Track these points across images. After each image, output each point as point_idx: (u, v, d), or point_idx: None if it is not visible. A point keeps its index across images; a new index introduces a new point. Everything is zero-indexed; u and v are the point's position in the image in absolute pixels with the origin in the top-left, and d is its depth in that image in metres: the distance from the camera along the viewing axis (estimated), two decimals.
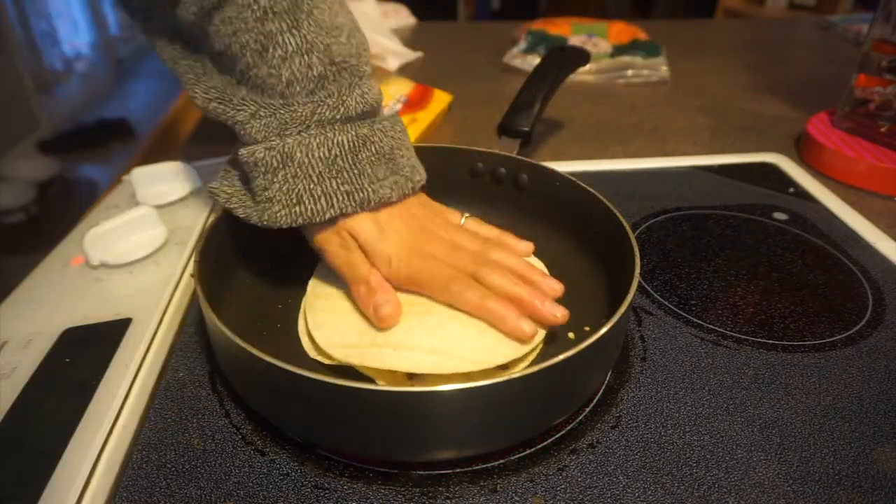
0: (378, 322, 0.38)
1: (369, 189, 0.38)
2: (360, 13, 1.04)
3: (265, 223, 0.38)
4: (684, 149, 0.73)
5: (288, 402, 0.34)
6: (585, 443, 0.36)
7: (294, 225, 0.38)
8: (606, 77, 0.95)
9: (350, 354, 0.37)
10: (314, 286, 0.43)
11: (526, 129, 0.57)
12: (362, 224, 0.39)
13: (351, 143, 0.37)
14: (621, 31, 1.03)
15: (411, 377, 0.37)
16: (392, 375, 0.37)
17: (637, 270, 0.37)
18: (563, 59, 0.64)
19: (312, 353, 0.40)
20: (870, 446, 0.36)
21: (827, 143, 0.67)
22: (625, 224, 0.42)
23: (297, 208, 0.37)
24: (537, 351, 0.40)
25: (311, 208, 0.37)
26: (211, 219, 0.48)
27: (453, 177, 0.53)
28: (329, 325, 0.39)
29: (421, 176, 0.42)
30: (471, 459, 0.34)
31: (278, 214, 0.37)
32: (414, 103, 0.76)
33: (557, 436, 0.36)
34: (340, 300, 0.41)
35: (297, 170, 0.36)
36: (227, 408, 0.38)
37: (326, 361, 0.39)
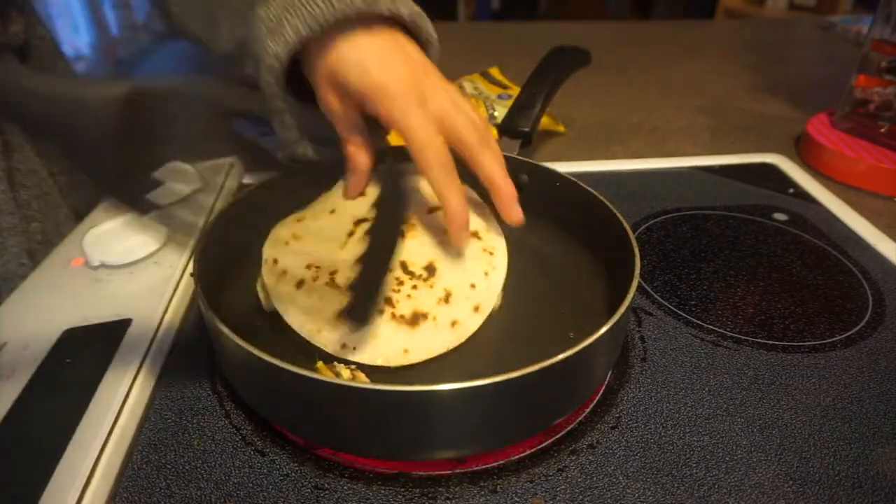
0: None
1: None
2: None
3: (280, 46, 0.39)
4: (684, 149, 0.73)
5: (288, 402, 0.34)
6: (585, 443, 0.36)
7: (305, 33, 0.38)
8: None
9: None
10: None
11: (526, 129, 0.57)
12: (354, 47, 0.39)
13: None
14: None
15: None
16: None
17: (637, 271, 0.37)
18: (564, 59, 0.64)
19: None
20: (870, 447, 0.36)
21: (827, 143, 0.67)
22: (625, 224, 0.42)
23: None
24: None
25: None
26: (211, 219, 0.48)
27: None
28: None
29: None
30: (471, 460, 0.34)
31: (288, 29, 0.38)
32: None
33: (557, 436, 0.36)
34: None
35: None
36: (227, 408, 0.38)
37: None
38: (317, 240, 0.43)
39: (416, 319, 0.38)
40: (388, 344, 0.37)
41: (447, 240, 0.41)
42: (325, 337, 0.37)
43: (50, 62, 0.58)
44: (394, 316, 0.38)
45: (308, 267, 0.41)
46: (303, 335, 0.38)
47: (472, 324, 0.39)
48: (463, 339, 0.39)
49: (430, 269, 0.41)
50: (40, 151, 0.56)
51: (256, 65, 0.41)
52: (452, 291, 0.40)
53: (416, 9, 0.42)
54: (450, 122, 0.39)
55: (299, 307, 0.39)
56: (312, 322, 0.38)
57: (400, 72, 0.39)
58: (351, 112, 0.41)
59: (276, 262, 0.41)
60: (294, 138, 0.44)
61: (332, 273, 0.40)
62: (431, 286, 0.40)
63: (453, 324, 0.39)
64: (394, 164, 0.43)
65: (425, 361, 0.38)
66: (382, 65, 0.39)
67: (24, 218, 0.50)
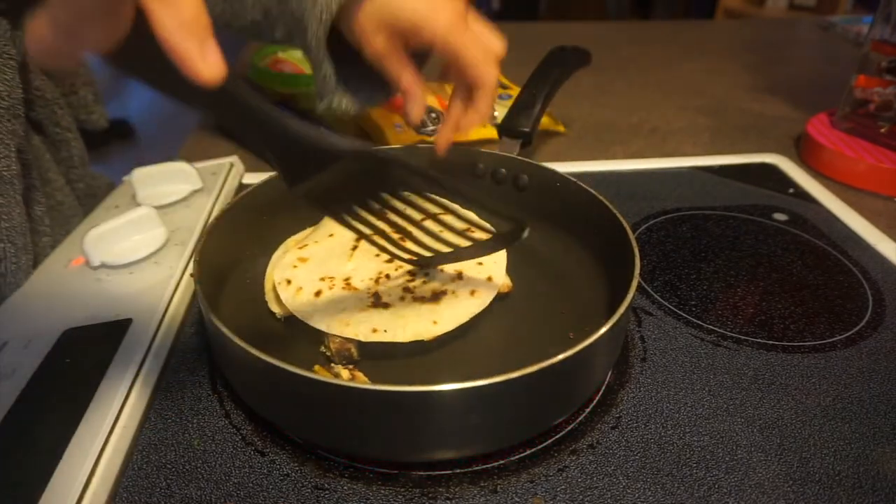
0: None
1: None
2: None
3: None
4: (684, 149, 0.73)
5: (288, 402, 0.34)
6: (585, 443, 0.36)
7: None
8: None
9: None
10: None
11: (527, 129, 0.57)
12: None
13: None
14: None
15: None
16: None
17: (637, 271, 0.37)
18: (564, 59, 0.64)
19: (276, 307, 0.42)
20: (870, 447, 0.36)
21: (827, 143, 0.67)
22: (625, 224, 0.42)
23: None
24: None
25: None
26: (211, 219, 0.48)
27: (454, 177, 0.53)
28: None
29: None
30: (471, 460, 0.34)
31: None
32: None
33: (557, 436, 0.36)
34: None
35: None
36: (227, 408, 0.38)
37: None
38: (323, 259, 0.44)
39: (437, 296, 0.41)
40: (418, 320, 0.39)
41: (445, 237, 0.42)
42: (355, 328, 0.38)
43: (72, 69, 0.58)
44: (415, 299, 0.40)
45: (322, 279, 0.42)
46: (332, 332, 0.38)
47: (490, 291, 0.42)
48: (485, 304, 0.41)
49: None
50: (60, 159, 0.56)
51: (295, 24, 0.46)
52: (462, 270, 0.43)
53: None
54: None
55: (322, 312, 0.40)
56: (339, 319, 0.39)
57: (446, 7, 0.44)
58: (400, 48, 0.46)
59: (289, 282, 0.42)
60: (332, 88, 0.49)
61: (347, 279, 0.42)
62: (442, 270, 0.43)
63: (472, 293, 0.41)
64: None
65: (426, 361, 0.38)
66: (427, 2, 0.44)
67: (35, 233, 0.50)
